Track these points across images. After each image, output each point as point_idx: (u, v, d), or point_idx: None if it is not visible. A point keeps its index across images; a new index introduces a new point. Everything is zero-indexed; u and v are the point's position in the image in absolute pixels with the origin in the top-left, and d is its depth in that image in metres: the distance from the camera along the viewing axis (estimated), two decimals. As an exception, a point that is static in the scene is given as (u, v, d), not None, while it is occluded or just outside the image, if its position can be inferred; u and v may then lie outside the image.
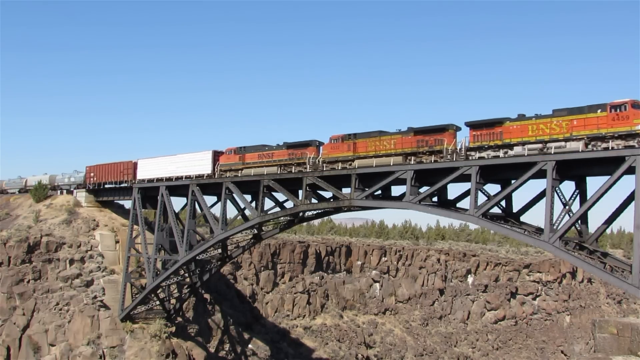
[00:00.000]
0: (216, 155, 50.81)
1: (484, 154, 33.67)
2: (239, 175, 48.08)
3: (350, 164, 40.16)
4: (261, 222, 47.26)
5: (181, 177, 53.14)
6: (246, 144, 49.28)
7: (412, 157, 37.07)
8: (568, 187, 41.50)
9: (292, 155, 44.53)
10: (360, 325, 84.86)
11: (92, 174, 66.04)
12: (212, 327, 62.92)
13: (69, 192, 71.11)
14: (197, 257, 51.96)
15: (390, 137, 38.58)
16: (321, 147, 43.47)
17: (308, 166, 42.69)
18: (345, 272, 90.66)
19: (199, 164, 51.81)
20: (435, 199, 38.00)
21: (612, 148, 29.12)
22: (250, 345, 66.74)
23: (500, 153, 33.15)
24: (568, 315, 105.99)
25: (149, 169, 57.43)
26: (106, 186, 64.92)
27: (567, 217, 31.63)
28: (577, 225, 32.26)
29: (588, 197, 31.31)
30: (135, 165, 59.22)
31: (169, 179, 54.20)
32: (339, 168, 40.62)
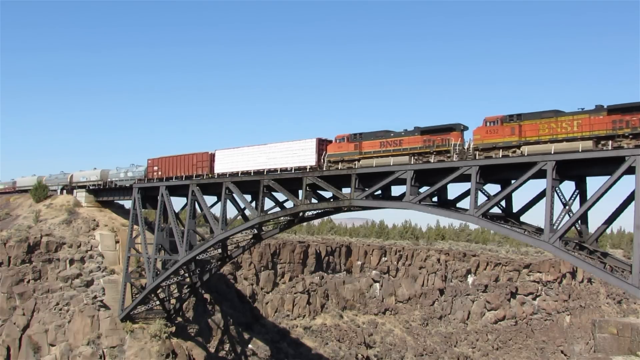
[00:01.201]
0: (321, 143, 43.97)
1: None
2: (355, 166, 41.52)
3: (515, 151, 34.36)
4: (261, 222, 47.26)
5: (275, 170, 46.25)
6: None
7: (608, 142, 30.55)
8: (568, 187, 41.53)
9: (428, 142, 37.74)
10: (360, 325, 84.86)
11: (155, 168, 57.74)
12: (212, 327, 62.94)
13: (127, 189, 61.98)
14: (197, 257, 51.99)
15: (571, 118, 32.21)
16: (466, 132, 37.50)
17: (453, 155, 36.17)
18: (345, 272, 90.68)
19: (299, 155, 44.94)
20: (435, 199, 38.02)
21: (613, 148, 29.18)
22: (250, 345, 66.76)
23: None
24: (568, 315, 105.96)
25: (230, 161, 50.54)
26: (175, 182, 55.30)
27: (567, 217, 31.67)
28: (577, 225, 32.28)
29: (588, 197, 31.34)
30: (212, 156, 52.28)
31: (273, 171, 46.45)
32: (499, 156, 34.98)
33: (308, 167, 43.86)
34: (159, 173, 57.38)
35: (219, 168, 51.45)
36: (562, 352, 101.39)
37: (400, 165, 38.09)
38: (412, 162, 38.16)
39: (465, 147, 36.28)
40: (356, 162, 41.67)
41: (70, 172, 72.83)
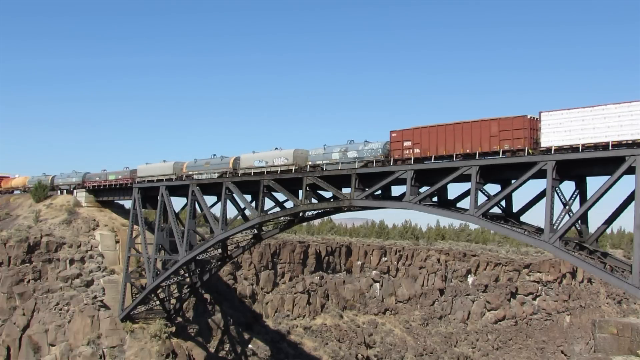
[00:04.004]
0: None
1: None
2: None
3: None
4: (261, 222, 47.29)
5: None
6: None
7: None
8: (568, 187, 41.53)
9: None
10: (360, 325, 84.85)
11: (407, 144, 38.22)
12: (212, 327, 62.95)
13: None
14: (197, 257, 52.01)
15: None
16: None
17: None
18: (345, 272, 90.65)
19: None
20: (435, 199, 38.02)
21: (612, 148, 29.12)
22: (250, 345, 66.78)
23: None
24: (568, 315, 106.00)
25: (579, 127, 30.67)
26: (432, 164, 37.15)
27: (567, 217, 31.70)
28: (577, 225, 32.32)
29: (588, 197, 31.36)
30: (533, 121, 33.09)
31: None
32: None
33: None
34: (415, 151, 38.05)
35: (550, 139, 31.91)
36: (562, 352, 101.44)
37: (400, 165, 38.06)
38: None
39: None
40: None
41: (203, 158, 53.37)
